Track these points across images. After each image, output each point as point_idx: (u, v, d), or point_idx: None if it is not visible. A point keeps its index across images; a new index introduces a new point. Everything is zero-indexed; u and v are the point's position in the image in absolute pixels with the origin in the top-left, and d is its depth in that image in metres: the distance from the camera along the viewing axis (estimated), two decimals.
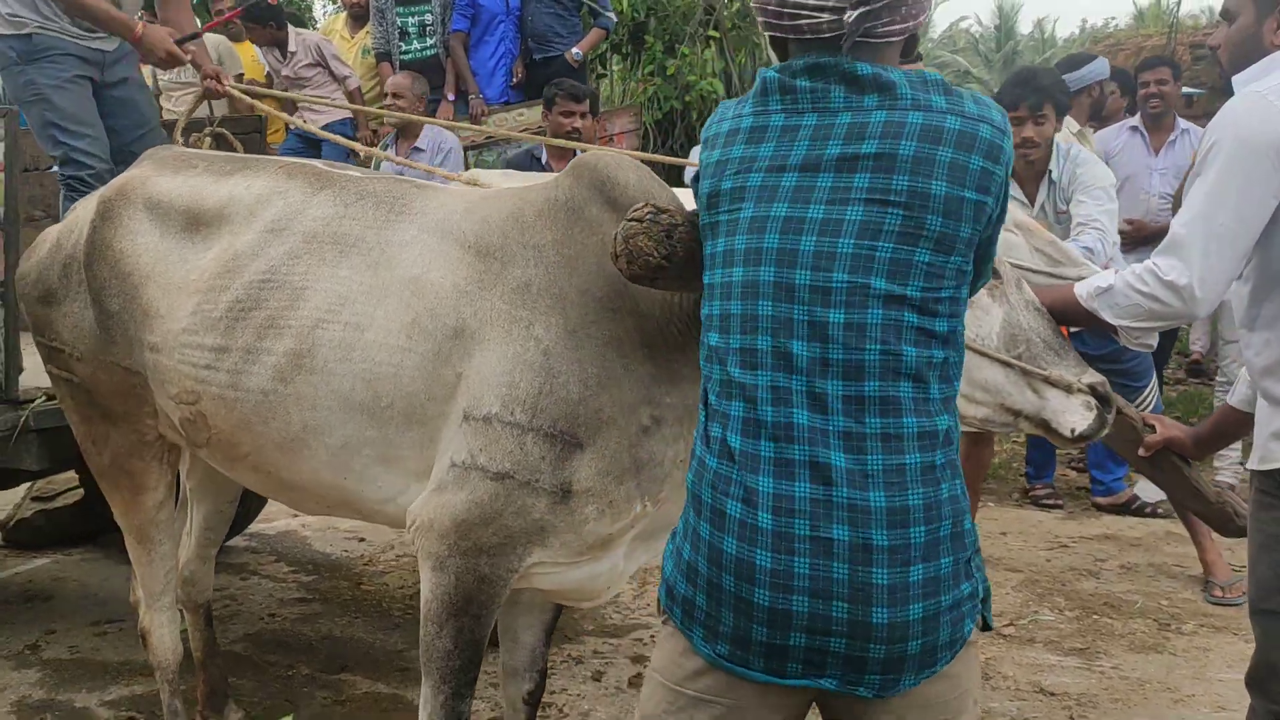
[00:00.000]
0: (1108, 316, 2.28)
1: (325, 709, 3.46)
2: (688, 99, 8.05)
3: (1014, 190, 4.22)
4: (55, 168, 4.21)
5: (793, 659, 1.52)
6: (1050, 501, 5.42)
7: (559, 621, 4.05)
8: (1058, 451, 5.65)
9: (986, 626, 1.61)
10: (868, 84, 1.56)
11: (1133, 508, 5.29)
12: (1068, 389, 2.11)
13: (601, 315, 2.11)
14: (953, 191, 1.52)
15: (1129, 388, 4.46)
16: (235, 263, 2.43)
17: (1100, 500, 5.39)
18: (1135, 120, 5.52)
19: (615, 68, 9.27)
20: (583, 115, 4.99)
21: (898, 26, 1.59)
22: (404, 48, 6.55)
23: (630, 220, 1.84)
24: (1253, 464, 2.28)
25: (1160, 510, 5.18)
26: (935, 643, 1.50)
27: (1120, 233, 4.71)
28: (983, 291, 2.14)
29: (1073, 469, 6.01)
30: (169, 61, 3.88)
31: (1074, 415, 2.10)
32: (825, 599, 1.47)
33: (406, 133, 5.62)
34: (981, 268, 1.65)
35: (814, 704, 1.63)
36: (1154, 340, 2.63)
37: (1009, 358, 2.15)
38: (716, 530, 1.54)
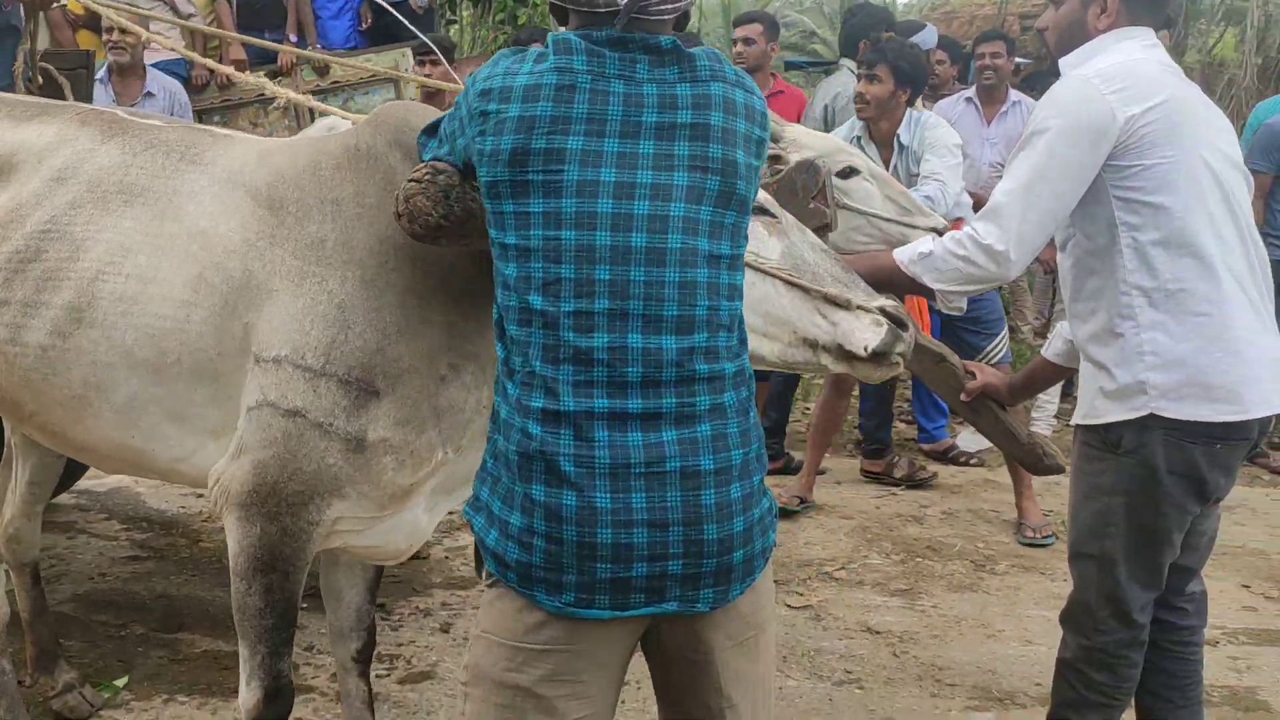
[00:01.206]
0: (928, 280, 2.43)
1: (161, 668, 3.38)
2: None
3: (872, 152, 4.43)
4: None
5: (635, 589, 1.61)
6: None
7: (407, 574, 4.09)
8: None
9: None
10: (669, 56, 1.67)
11: (950, 455, 5.63)
12: (846, 305, 2.13)
13: (402, 263, 2.11)
14: (746, 159, 1.69)
15: (981, 334, 4.74)
16: (18, 212, 2.32)
17: (924, 446, 5.72)
18: (970, 92, 5.78)
19: (465, 14, 9.11)
20: (434, 63, 5.35)
21: (670, 5, 1.69)
22: None
23: (410, 180, 1.89)
24: (1078, 419, 2.48)
25: (974, 460, 5.54)
26: (752, 551, 1.68)
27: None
28: (760, 226, 2.17)
29: (902, 421, 6.33)
30: (42, 4, 3.54)
31: (865, 332, 2.11)
32: (662, 527, 1.60)
33: (129, 72, 5.29)
34: None
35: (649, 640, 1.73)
36: (964, 304, 2.81)
37: (788, 274, 2.15)
38: (553, 489, 1.61)
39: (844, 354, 2.14)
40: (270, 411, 2.09)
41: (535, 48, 1.71)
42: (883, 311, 2.14)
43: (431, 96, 5.46)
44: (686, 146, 1.64)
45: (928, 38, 5.74)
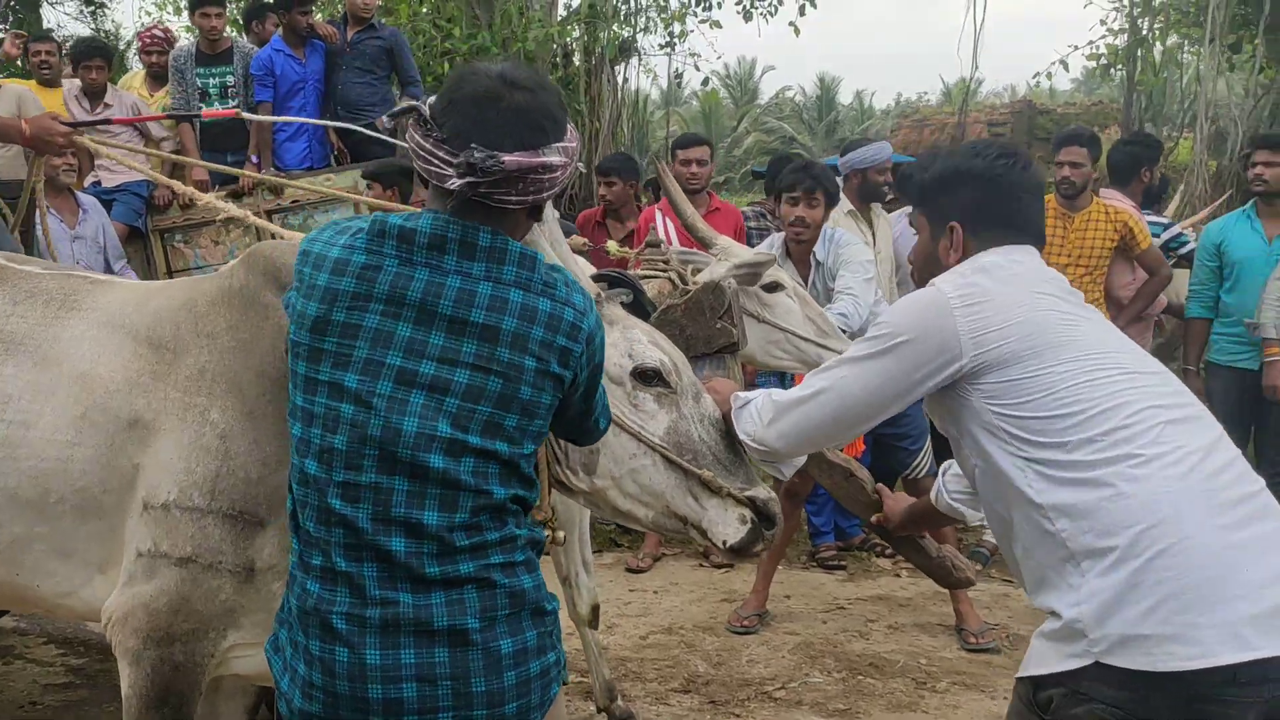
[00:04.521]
0: (736, 428, 2.29)
1: None
2: None
3: (789, 270, 4.53)
4: None
5: None
6: (834, 563, 5.69)
7: None
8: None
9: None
10: (480, 253, 1.75)
11: (867, 545, 5.82)
12: (719, 492, 2.20)
13: (279, 394, 2.18)
14: (541, 366, 1.76)
15: (905, 450, 4.80)
16: None
17: (839, 544, 5.84)
18: (909, 210, 5.85)
19: None
20: (369, 186, 5.69)
21: (515, 198, 1.75)
22: (204, 109, 6.46)
23: None
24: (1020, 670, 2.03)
25: (890, 551, 5.57)
26: (529, 705, 1.76)
27: None
28: (650, 398, 2.26)
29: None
30: (65, 147, 3.60)
31: (728, 528, 2.21)
32: (431, 681, 1.70)
33: (66, 191, 5.35)
34: (589, 406, 1.93)
35: None
36: (789, 470, 2.58)
37: (669, 452, 2.22)
38: (327, 644, 1.72)
39: (705, 537, 2.25)
40: (163, 561, 2.16)
41: (359, 221, 1.80)
42: (753, 503, 2.22)
43: None
44: (474, 345, 1.73)
45: (872, 153, 5.88)
